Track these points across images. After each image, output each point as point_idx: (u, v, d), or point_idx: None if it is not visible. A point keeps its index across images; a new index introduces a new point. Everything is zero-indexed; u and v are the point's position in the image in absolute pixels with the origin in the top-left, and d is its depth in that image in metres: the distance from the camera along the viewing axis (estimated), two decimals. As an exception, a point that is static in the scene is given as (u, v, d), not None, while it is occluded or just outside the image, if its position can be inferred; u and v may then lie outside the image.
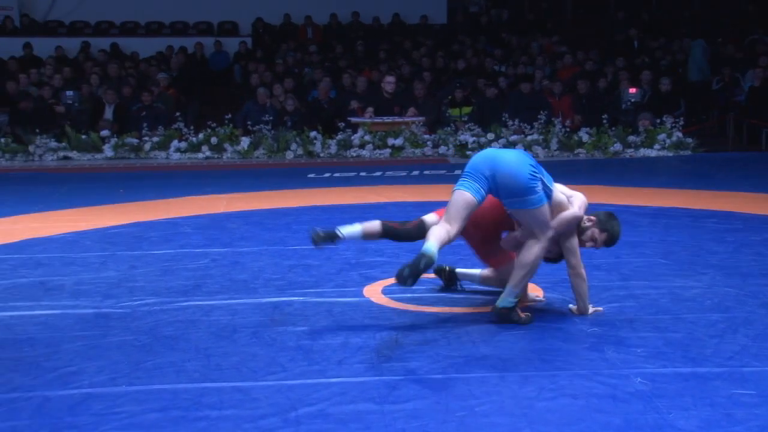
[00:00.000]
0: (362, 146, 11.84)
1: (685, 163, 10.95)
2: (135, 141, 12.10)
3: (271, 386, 3.41)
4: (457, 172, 10.16)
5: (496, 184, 4.07)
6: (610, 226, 4.28)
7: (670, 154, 11.51)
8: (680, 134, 11.68)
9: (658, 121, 11.84)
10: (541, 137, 11.71)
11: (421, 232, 4.29)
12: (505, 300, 4.19)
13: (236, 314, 4.41)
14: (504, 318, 4.17)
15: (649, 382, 3.40)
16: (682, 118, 11.93)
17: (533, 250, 4.13)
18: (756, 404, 3.16)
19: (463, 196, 4.07)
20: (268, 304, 4.58)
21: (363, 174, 10.10)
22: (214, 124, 12.12)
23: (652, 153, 11.53)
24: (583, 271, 4.27)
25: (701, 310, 4.37)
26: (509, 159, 4.08)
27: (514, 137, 11.68)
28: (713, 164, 10.51)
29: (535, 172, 4.05)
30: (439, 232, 3.93)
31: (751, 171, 9.84)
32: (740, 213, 6.93)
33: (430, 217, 4.47)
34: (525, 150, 11.42)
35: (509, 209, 4.15)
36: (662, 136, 11.63)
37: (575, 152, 11.62)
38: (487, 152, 4.23)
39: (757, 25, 15.59)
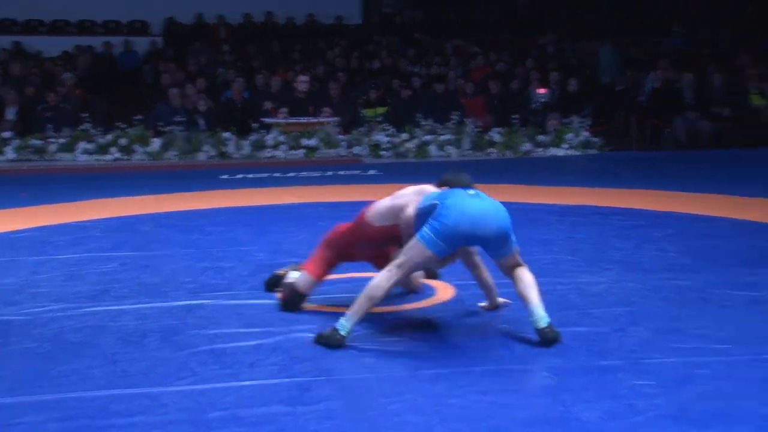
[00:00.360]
0: (276, 147, 11.78)
1: (592, 161, 11.25)
2: (39, 142, 11.75)
3: (181, 391, 3.37)
4: (372, 172, 10.30)
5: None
6: None
7: (578, 153, 11.81)
8: (587, 134, 11.99)
9: (566, 121, 12.13)
10: (454, 137, 11.86)
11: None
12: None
13: (146, 319, 4.33)
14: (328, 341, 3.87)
15: (555, 376, 3.48)
16: (589, 118, 12.26)
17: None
18: (656, 395, 3.27)
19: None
20: (179, 308, 4.51)
21: (277, 175, 10.05)
22: (123, 125, 11.86)
23: (561, 152, 11.81)
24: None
25: (606, 304, 4.50)
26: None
27: (427, 137, 11.80)
28: (618, 163, 10.83)
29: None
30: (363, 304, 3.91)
31: (654, 169, 10.18)
32: (644, 210, 7.15)
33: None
34: (440, 149, 11.56)
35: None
36: (570, 135, 11.92)
37: (487, 152, 11.81)
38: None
39: (661, 27, 16.15)
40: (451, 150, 11.68)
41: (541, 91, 12.78)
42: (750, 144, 11.97)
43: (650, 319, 4.23)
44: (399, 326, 4.20)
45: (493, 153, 11.80)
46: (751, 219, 6.65)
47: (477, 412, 3.15)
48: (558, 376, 3.49)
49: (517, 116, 12.01)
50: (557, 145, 11.89)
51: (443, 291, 4.79)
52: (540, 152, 11.81)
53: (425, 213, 3.97)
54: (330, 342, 3.86)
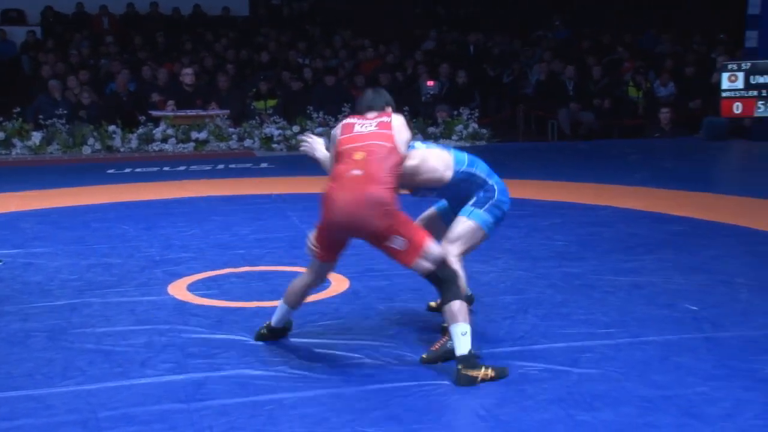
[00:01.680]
0: (165, 140, 11.51)
1: (481, 153, 11.41)
2: None
3: (69, 392, 3.26)
4: (264, 165, 10.20)
5: None
6: None
7: (468, 145, 12.00)
8: (476, 125, 12.21)
9: (456, 112, 12.32)
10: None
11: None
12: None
13: (29, 319, 4.18)
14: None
15: (444, 365, 3.54)
16: (477, 110, 12.48)
17: None
18: (545, 379, 3.38)
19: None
20: (65, 307, 4.37)
21: (167, 169, 9.83)
22: (0, 118, 11.35)
23: (451, 144, 11.98)
24: None
25: (496, 293, 4.61)
26: None
27: (319, 129, 11.77)
28: (507, 154, 11.05)
29: None
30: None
31: (541, 160, 10.46)
32: (531, 200, 7.34)
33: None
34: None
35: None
36: (459, 127, 12.11)
37: (379, 144, 11.87)
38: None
39: (541, 21, 16.59)
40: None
41: (430, 83, 12.93)
42: (628, 134, 12.45)
43: (537, 306, 4.36)
44: (298, 318, 4.18)
45: (385, 145, 11.87)
46: (632, 207, 6.92)
47: (373, 404, 3.17)
48: (448, 365, 3.54)
49: (407, 108, 12.12)
50: (447, 137, 12.06)
51: (338, 283, 4.80)
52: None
53: (470, 182, 3.87)
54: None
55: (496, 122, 12.87)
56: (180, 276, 4.98)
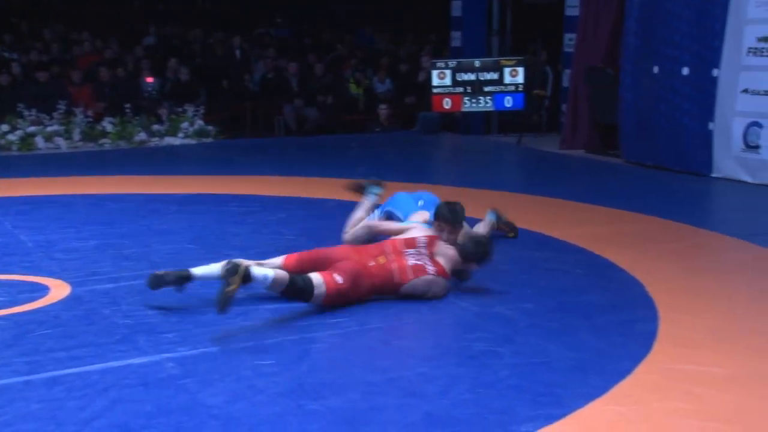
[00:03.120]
0: None
1: (207, 149, 11.34)
2: None
3: None
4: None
5: None
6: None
7: (194, 142, 11.83)
8: (202, 122, 12.06)
9: (180, 109, 12.08)
10: (63, 128, 11.22)
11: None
12: None
13: None
14: None
15: (179, 365, 3.51)
16: (203, 107, 12.33)
17: None
18: (275, 373, 3.45)
19: None
20: None
21: None
22: None
23: (177, 141, 11.74)
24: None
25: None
26: None
27: (31, 128, 11.03)
28: (233, 150, 11.05)
29: None
30: None
31: (268, 155, 10.56)
32: (258, 195, 7.40)
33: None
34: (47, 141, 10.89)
35: None
36: (185, 124, 11.90)
37: (100, 142, 11.36)
38: None
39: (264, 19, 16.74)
40: (60, 142, 11.04)
41: (149, 79, 12.59)
42: (350, 129, 12.91)
43: (270, 300, 4.42)
44: (10, 329, 3.92)
45: (107, 144, 11.38)
46: (356, 200, 7.18)
47: (97, 411, 3.07)
48: (182, 365, 3.52)
49: (129, 105, 11.71)
50: (173, 134, 11.80)
51: (57, 290, 4.56)
52: (156, 142, 11.64)
53: None
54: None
55: (223, 119, 12.80)
56: None
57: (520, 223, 6.07)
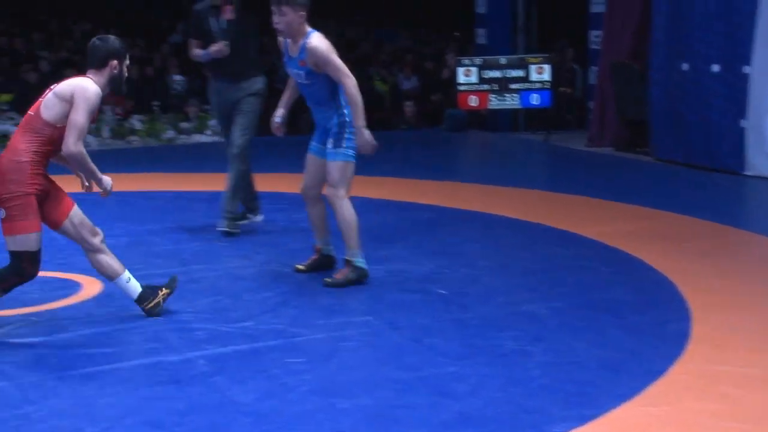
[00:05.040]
0: None
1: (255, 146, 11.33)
2: None
3: None
4: None
5: None
6: None
7: (222, 139, 11.86)
8: (229, 120, 12.10)
9: (208, 107, 12.13)
10: (93, 125, 11.33)
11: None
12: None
13: None
14: None
15: (210, 363, 3.53)
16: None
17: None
18: (305, 370, 3.45)
19: None
20: None
21: None
22: None
23: (205, 138, 11.80)
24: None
25: (256, 289, 4.63)
26: None
27: (61, 126, 11.15)
28: (262, 147, 11.03)
29: None
30: None
31: (294, 153, 10.54)
32: (287, 193, 7.39)
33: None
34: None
35: None
36: (213, 121, 11.95)
37: (128, 140, 11.45)
38: None
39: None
40: (90, 139, 11.14)
41: (178, 77, 12.67)
42: (376, 127, 12.87)
43: (299, 298, 4.43)
44: (44, 325, 3.96)
45: (135, 141, 11.47)
46: (381, 197, 7.18)
47: (130, 407, 3.09)
48: (213, 362, 3.53)
49: (157, 103, 11.79)
50: (201, 131, 11.87)
51: (90, 286, 4.60)
52: (184, 139, 11.71)
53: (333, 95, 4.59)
54: (362, 277, 4.56)
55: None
56: None
57: (548, 221, 6.04)
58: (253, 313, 4.18)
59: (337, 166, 4.55)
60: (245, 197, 5.96)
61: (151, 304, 4.07)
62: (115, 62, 3.99)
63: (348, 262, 4.59)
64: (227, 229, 5.70)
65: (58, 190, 3.97)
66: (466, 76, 11.65)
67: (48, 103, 3.86)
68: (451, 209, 6.73)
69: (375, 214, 6.56)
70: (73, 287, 4.61)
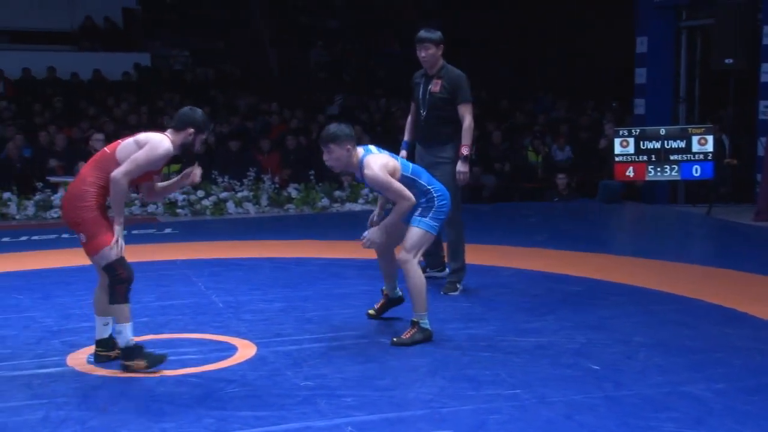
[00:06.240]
0: (63, 206, 11.20)
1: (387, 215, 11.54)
2: None
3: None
4: (168, 230, 10.03)
5: None
6: None
7: (375, 208, 12.10)
8: (381, 190, 12.35)
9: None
10: (252, 194, 11.83)
11: None
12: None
13: None
14: None
15: (358, 430, 3.53)
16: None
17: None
18: (454, 442, 3.39)
19: None
20: (-44, 383, 4.16)
21: (65, 236, 9.54)
22: None
23: (357, 207, 12.07)
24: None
25: (405, 355, 4.63)
26: None
27: (224, 194, 11.70)
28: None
29: None
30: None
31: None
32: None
33: None
34: (237, 206, 11.49)
35: None
36: (366, 190, 12.23)
37: (285, 208, 11.88)
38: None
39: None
40: (249, 207, 11.63)
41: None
42: (528, 197, 12.78)
43: (446, 368, 4.38)
44: (202, 387, 4.10)
45: (291, 209, 11.88)
46: (532, 268, 7.06)
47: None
48: (360, 429, 3.53)
49: (313, 172, 12.19)
50: (354, 200, 12.15)
51: (244, 350, 4.73)
52: (337, 207, 12.02)
53: (412, 187, 4.82)
54: (427, 338, 4.78)
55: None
56: (80, 347, 4.82)
57: (710, 298, 5.74)
58: (402, 382, 4.17)
59: (418, 232, 4.85)
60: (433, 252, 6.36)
61: (130, 362, 4.28)
62: (191, 130, 4.47)
63: (415, 323, 4.85)
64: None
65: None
66: (623, 146, 11.42)
67: (126, 146, 4.33)
68: (604, 282, 6.52)
69: (526, 285, 6.46)
70: (230, 350, 4.75)
